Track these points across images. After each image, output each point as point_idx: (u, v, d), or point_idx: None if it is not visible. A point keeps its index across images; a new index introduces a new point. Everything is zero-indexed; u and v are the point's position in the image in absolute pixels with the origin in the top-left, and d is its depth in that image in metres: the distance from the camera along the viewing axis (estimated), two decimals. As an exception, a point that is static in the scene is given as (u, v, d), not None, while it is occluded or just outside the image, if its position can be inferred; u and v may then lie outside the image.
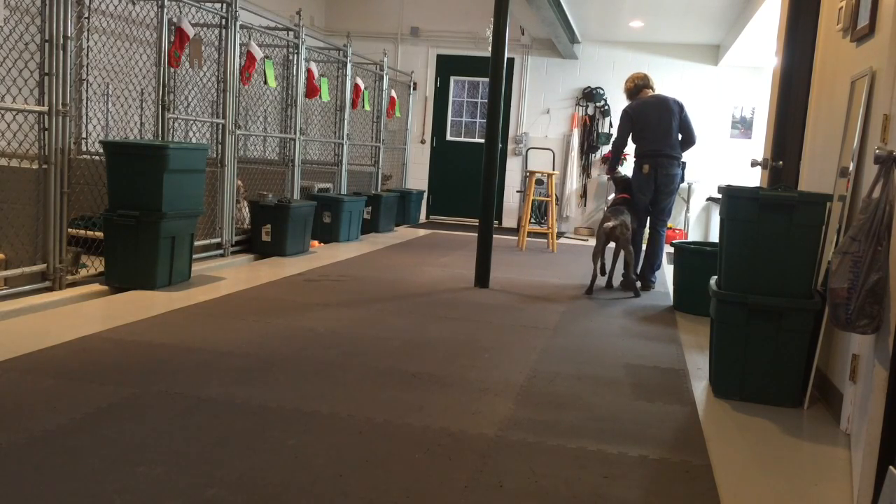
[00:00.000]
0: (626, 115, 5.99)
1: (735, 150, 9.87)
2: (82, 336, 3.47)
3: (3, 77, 4.12)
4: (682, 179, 6.14)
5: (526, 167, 10.41)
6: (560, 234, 9.92)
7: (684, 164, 6.21)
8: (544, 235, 8.95)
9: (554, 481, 2.26)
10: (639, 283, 5.84)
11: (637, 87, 6.08)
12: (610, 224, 5.49)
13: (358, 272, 5.79)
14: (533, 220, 10.11)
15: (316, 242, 7.16)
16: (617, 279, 5.97)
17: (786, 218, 3.11)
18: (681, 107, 5.95)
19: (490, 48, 5.40)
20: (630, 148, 6.06)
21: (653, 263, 5.94)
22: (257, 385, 2.95)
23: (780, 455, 2.63)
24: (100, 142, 4.86)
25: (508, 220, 10.63)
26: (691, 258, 5.06)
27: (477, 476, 2.26)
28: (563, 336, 4.16)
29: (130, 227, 4.50)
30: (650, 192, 5.89)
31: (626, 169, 7.30)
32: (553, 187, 8.05)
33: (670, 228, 9.44)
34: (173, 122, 5.50)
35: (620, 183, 6.09)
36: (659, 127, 5.85)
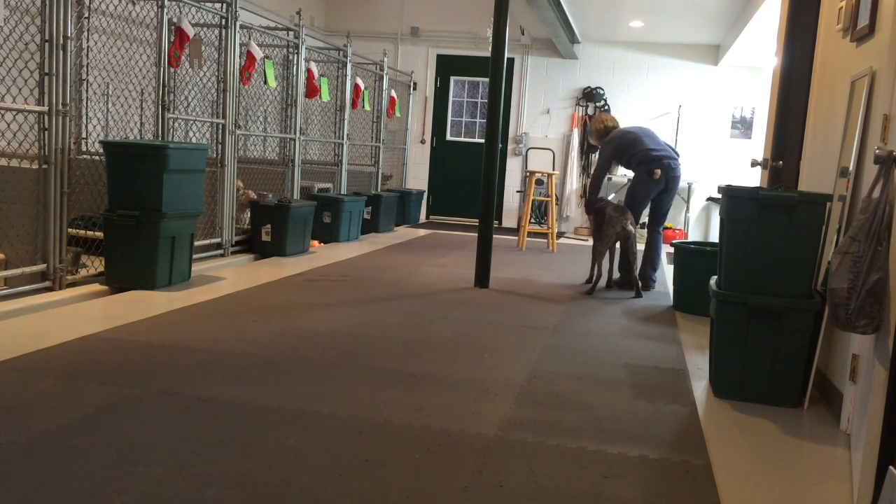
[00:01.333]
0: (611, 142, 5.95)
1: (735, 150, 9.87)
2: (82, 336, 3.47)
3: (3, 77, 4.12)
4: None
5: (526, 167, 10.41)
6: (560, 234, 9.92)
7: None
8: (544, 235, 8.95)
9: (554, 481, 2.26)
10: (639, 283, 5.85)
11: (607, 129, 6.12)
12: (627, 228, 5.47)
13: (358, 272, 5.79)
14: (533, 220, 10.11)
15: (316, 242, 7.16)
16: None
17: (786, 218, 3.11)
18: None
19: (490, 48, 5.40)
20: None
21: (654, 263, 5.95)
22: (257, 385, 2.95)
23: (780, 455, 2.63)
24: (100, 142, 4.86)
25: (508, 220, 10.63)
26: (691, 258, 5.06)
27: (477, 476, 2.26)
28: (563, 336, 4.16)
29: (130, 227, 4.50)
30: (651, 197, 5.89)
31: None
32: (553, 187, 8.05)
33: (671, 228, 9.45)
34: (173, 122, 5.50)
35: (597, 212, 5.76)
36: (653, 139, 5.93)
